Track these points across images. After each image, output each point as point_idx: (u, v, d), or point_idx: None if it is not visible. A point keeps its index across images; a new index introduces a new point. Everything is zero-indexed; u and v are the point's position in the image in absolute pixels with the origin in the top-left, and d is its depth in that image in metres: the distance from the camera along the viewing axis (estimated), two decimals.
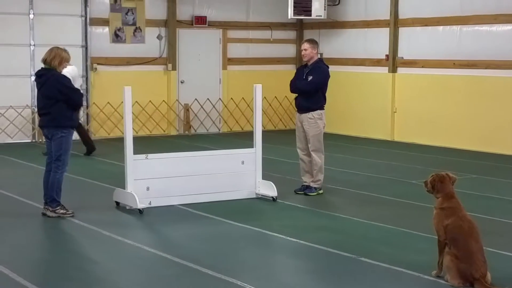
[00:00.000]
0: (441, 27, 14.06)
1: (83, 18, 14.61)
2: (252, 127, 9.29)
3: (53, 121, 7.76)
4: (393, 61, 14.89)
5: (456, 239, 5.59)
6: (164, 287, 5.72)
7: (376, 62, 15.26)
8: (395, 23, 14.82)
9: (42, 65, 7.92)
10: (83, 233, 7.40)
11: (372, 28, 15.37)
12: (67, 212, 7.89)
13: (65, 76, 7.90)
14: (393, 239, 7.17)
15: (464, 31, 13.67)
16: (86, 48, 14.63)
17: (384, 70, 15.08)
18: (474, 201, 8.71)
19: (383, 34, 15.07)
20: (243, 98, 16.09)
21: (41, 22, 14.22)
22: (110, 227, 7.45)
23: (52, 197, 7.85)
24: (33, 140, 13.89)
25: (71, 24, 14.53)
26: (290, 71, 15.01)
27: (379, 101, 15.10)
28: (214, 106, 16.09)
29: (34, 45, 14.10)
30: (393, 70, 14.92)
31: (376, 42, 15.25)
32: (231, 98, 16.22)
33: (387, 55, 15.00)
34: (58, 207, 7.87)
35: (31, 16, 14.19)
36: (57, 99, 7.72)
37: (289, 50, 17.03)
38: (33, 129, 13.98)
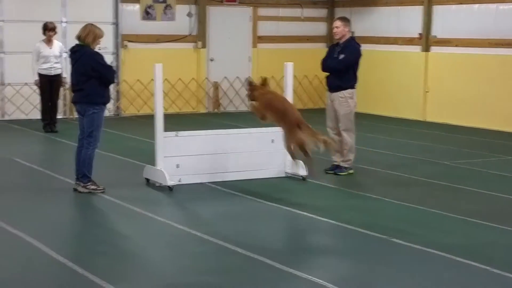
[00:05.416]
0: (476, 5, 13.79)
1: None
2: None
3: (86, 98, 7.80)
4: (426, 40, 14.66)
5: None
6: (193, 264, 5.73)
7: (409, 41, 15.04)
8: (429, 1, 14.56)
9: (76, 42, 7.95)
10: (113, 209, 7.45)
11: (405, 6, 15.13)
12: (98, 188, 7.94)
13: (98, 53, 7.91)
14: (425, 220, 7.08)
15: (501, 9, 13.40)
16: (117, 25, 14.64)
17: (417, 49, 14.87)
18: (507, 183, 8.58)
19: (417, 12, 14.83)
20: (272, 76, 15.94)
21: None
22: (140, 204, 7.48)
23: (83, 173, 7.90)
24: (64, 116, 14.00)
25: (102, 1, 14.53)
26: (320, 49, 14.88)
27: (412, 81, 14.91)
28: (243, 85, 16.03)
29: (66, 22, 14.15)
30: (426, 49, 14.69)
31: (409, 21, 15.02)
32: (261, 77, 16.10)
33: (420, 34, 14.77)
34: (89, 183, 7.93)
35: None
36: (90, 75, 7.75)
37: (320, 29, 16.86)
38: (64, 105, 14.07)
